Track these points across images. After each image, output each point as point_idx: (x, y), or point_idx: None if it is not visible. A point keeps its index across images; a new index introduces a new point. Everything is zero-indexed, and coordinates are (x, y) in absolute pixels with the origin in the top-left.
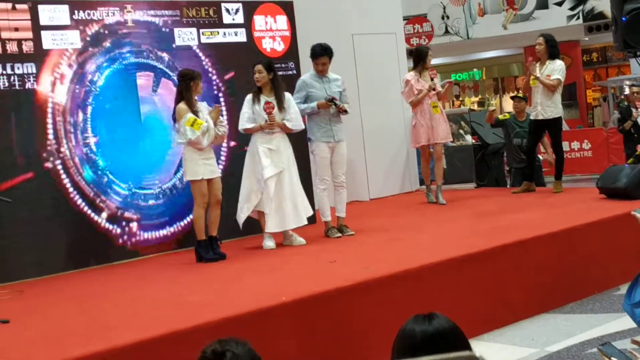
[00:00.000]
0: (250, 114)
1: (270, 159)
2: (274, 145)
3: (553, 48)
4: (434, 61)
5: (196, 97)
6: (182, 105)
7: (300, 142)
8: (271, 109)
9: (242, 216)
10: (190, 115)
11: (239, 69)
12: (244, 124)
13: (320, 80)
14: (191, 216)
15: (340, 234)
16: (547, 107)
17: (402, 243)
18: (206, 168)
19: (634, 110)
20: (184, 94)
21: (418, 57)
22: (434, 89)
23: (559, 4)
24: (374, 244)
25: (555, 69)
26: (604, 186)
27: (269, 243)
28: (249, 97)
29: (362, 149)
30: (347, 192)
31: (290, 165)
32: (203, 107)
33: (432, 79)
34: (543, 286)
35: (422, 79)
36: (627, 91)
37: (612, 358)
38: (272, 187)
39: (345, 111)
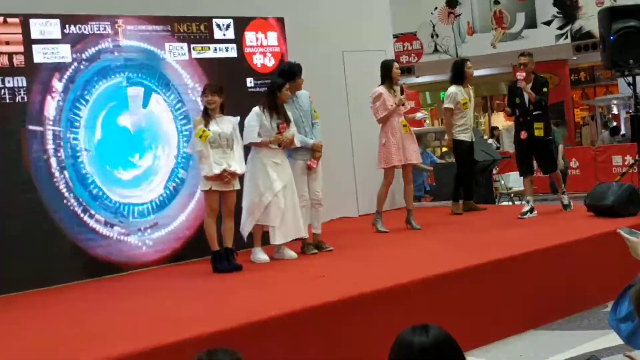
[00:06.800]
0: (258, 128)
1: (277, 173)
2: (279, 159)
3: None
4: (423, 79)
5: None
6: (197, 118)
7: None
8: (284, 129)
9: (245, 229)
10: (200, 127)
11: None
12: (255, 137)
13: (290, 100)
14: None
15: (316, 250)
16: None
17: (391, 258)
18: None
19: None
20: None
21: (385, 71)
22: (403, 104)
23: (548, 23)
24: (363, 260)
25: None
26: (591, 204)
27: (262, 256)
28: (259, 111)
29: (351, 164)
30: (336, 208)
31: (291, 179)
32: (227, 120)
33: (402, 92)
34: (531, 303)
35: (392, 94)
36: (614, 110)
37: None
38: (282, 200)
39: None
